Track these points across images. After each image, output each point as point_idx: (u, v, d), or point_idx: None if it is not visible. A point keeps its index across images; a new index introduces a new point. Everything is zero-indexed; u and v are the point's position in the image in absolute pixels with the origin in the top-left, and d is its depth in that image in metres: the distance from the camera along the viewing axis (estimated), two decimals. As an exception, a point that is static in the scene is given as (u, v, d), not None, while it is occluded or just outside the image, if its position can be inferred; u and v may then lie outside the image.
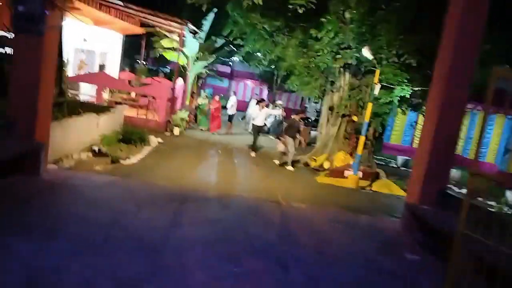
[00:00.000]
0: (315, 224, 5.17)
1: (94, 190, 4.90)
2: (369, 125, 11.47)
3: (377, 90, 9.04)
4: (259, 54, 15.04)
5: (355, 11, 10.12)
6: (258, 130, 12.08)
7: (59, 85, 8.88)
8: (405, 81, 9.54)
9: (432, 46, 10.06)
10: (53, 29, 5.22)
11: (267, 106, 12.33)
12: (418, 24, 9.58)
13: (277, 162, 10.79)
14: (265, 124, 12.52)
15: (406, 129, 14.48)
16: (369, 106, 9.21)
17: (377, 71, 9.04)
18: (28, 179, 4.75)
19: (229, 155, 10.87)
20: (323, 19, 10.74)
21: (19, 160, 4.81)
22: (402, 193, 9.64)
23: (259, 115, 12.17)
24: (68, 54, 12.94)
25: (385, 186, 9.98)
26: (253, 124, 12.34)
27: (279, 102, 19.99)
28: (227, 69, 29.15)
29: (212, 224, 4.38)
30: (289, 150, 10.51)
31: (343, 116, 11.52)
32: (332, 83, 12.00)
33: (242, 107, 21.28)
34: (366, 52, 8.90)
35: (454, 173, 14.45)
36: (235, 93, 18.92)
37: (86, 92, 13.08)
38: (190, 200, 5.20)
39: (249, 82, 32.02)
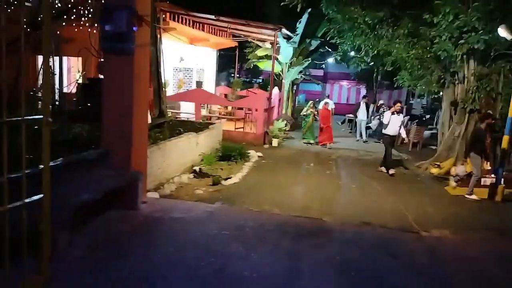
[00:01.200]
0: (479, 265, 3.81)
1: (195, 225, 4.26)
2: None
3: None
4: (353, 53, 13.69)
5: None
6: (391, 142, 9.58)
7: (159, 106, 8.84)
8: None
9: None
10: (143, 48, 4.78)
11: (398, 111, 9.49)
12: None
13: (452, 185, 8.15)
14: (399, 134, 9.67)
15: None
16: (515, 97, 7.30)
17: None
18: (125, 215, 4.30)
19: (336, 167, 9.74)
20: (438, 1, 9.08)
21: (116, 193, 4.40)
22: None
23: (392, 121, 9.39)
24: (167, 73, 13.27)
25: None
26: (384, 134, 9.61)
27: (381, 102, 17.93)
28: (320, 72, 27.87)
29: (338, 272, 3.36)
30: (474, 173, 7.71)
31: (471, 111, 9.55)
32: (454, 73, 10.11)
33: (339, 110, 19.86)
34: (504, 32, 7.07)
35: None
36: (328, 96, 17.70)
37: (186, 110, 13.17)
38: (305, 233, 4.26)
39: (344, 83, 30.34)
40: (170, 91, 13.10)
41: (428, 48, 9.82)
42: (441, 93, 18.45)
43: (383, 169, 9.45)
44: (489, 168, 8.73)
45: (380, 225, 5.15)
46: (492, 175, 8.11)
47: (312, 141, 12.80)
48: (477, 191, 7.87)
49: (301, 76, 15.80)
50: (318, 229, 4.46)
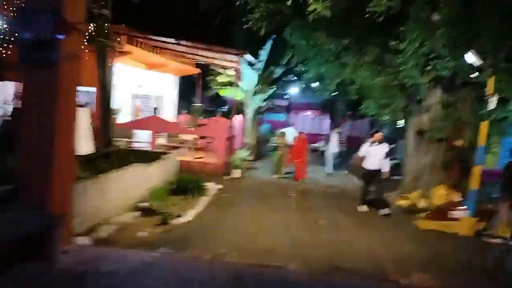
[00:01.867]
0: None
1: (129, 283, 3.34)
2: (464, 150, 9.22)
3: (493, 103, 6.84)
4: (316, 84, 13.36)
5: (445, 12, 8.16)
6: (370, 177, 8.36)
7: (107, 134, 7.91)
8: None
9: None
10: (72, 60, 3.96)
11: (380, 141, 8.49)
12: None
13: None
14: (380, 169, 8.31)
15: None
16: (485, 126, 6.98)
17: (491, 79, 6.88)
18: (36, 270, 3.33)
19: (303, 201, 9.03)
20: (403, 28, 8.92)
21: (29, 240, 3.43)
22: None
23: (371, 154, 8.33)
24: (125, 100, 12.37)
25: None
26: (365, 170, 8.46)
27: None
28: (283, 102, 27.79)
29: None
30: (500, 217, 6.75)
31: (439, 140, 9.26)
32: (419, 102, 9.89)
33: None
34: (472, 57, 6.84)
35: None
36: (292, 125, 17.39)
37: (142, 138, 12.19)
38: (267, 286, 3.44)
39: (308, 113, 30.41)
40: (126, 118, 12.14)
41: (394, 75, 9.58)
42: (401, 122, 18.77)
43: (365, 208, 8.33)
44: (460, 199, 8.36)
45: (354, 272, 4.42)
46: (462, 207, 7.71)
47: (279, 176, 11.59)
48: (451, 224, 7.40)
49: (266, 104, 15.31)
50: (281, 282, 3.66)
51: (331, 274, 4.25)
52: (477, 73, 7.79)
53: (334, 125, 12.57)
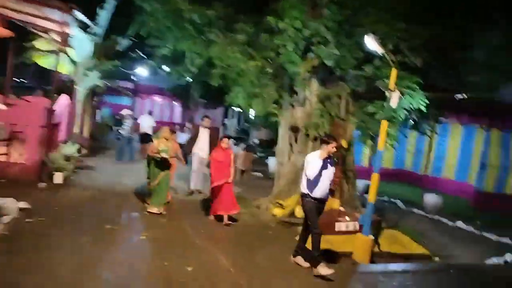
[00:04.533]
0: None
1: None
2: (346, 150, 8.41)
3: (395, 100, 5.78)
4: (171, 66, 10.90)
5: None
6: (317, 211, 5.16)
7: None
8: (416, 87, 6.47)
9: (443, 41, 7.54)
10: None
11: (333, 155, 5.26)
12: (427, 12, 6.74)
13: None
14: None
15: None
16: (384, 125, 5.89)
17: (394, 71, 5.80)
18: None
19: (159, 225, 6.52)
20: (283, 2, 7.38)
21: None
22: (423, 251, 6.54)
23: (323, 177, 5.09)
24: None
25: (395, 241, 6.75)
26: (306, 197, 5.15)
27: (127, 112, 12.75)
28: (129, 84, 24.07)
29: None
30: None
31: (316, 139, 8.14)
32: (292, 94, 8.61)
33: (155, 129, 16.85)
34: (372, 42, 5.62)
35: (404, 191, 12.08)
36: (150, 113, 14.63)
37: None
38: None
39: (157, 99, 27.50)
40: None
41: (271, 60, 8.03)
42: (252, 112, 17.77)
43: (299, 260, 5.29)
44: (341, 209, 7.35)
45: None
46: (350, 219, 6.66)
47: (158, 211, 6.79)
48: (338, 240, 6.21)
49: (105, 84, 12.07)
50: None
51: None
52: (370, 65, 6.79)
53: (204, 115, 9.25)
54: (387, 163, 14.49)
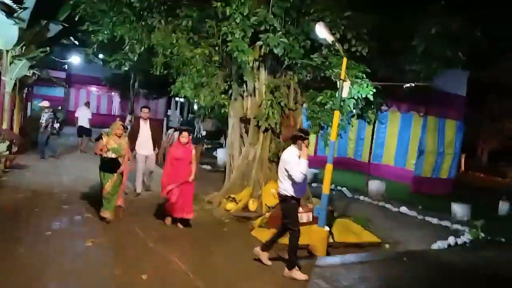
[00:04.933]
0: None
1: None
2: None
3: (346, 90, 5.78)
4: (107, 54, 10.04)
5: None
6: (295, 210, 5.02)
7: None
8: (363, 76, 6.54)
9: (385, 31, 7.65)
10: None
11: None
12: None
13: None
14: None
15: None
16: (337, 115, 5.86)
17: (344, 61, 5.77)
18: None
19: (101, 229, 5.97)
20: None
21: None
22: (374, 239, 6.71)
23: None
24: None
25: (347, 230, 6.82)
26: (285, 198, 4.87)
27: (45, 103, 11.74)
28: (62, 74, 22.27)
29: None
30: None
31: (266, 130, 8.00)
32: (241, 84, 8.39)
33: (95, 121, 15.71)
34: (322, 30, 5.53)
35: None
36: (87, 104, 13.71)
37: None
38: None
39: (93, 89, 25.85)
40: None
41: (218, 48, 7.72)
42: (195, 103, 17.20)
43: (264, 257, 4.99)
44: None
45: None
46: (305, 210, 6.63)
47: (111, 216, 6.03)
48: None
49: (34, 73, 10.98)
50: None
51: None
52: (319, 55, 6.73)
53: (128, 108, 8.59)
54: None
